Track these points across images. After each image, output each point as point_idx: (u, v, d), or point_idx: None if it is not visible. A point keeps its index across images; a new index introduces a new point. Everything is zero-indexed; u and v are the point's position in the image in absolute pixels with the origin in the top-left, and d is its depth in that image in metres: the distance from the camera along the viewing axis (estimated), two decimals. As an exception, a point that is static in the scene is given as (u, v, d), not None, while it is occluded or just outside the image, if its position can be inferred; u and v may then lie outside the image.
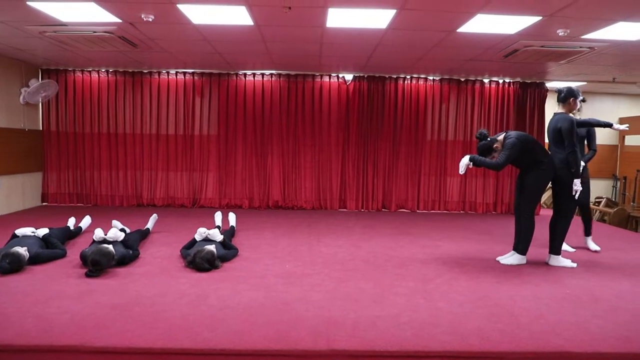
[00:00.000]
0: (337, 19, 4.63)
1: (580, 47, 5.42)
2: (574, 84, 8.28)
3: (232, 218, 5.91)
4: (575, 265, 4.59)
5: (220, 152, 7.89)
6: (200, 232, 4.59)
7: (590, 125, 4.83)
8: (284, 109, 7.84)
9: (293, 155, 7.90)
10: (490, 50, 5.77)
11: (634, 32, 4.77)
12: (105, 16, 4.66)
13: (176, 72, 7.79)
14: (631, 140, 9.50)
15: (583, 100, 4.77)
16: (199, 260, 4.12)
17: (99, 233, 4.42)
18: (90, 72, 7.75)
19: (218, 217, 5.87)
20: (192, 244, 4.60)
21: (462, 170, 4.40)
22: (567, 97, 4.53)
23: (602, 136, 9.40)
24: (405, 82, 7.87)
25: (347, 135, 7.89)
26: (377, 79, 7.83)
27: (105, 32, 5.19)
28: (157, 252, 4.79)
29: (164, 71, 7.79)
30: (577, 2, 3.93)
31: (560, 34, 4.80)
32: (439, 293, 3.68)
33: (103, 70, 7.76)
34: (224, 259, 4.43)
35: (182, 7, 4.38)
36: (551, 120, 4.65)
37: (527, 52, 5.68)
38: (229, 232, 5.43)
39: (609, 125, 4.77)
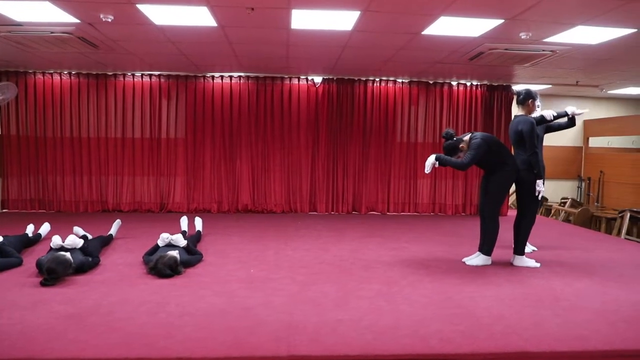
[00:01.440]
0: (302, 20, 4.59)
1: (543, 51, 5.52)
2: (539, 87, 8.47)
3: (198, 223, 5.80)
4: (538, 265, 4.65)
5: (188, 156, 7.76)
6: (163, 238, 4.48)
7: (551, 129, 4.91)
8: (252, 112, 7.76)
9: (262, 158, 7.83)
10: (456, 53, 5.82)
11: (592, 36, 4.87)
12: (62, 16, 4.51)
13: (142, 75, 7.63)
14: (595, 142, 9.75)
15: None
16: (161, 267, 4.01)
17: (56, 240, 4.26)
18: (52, 74, 7.51)
19: (184, 222, 5.75)
20: (154, 249, 4.48)
21: (427, 170, 4.42)
22: (525, 99, 4.59)
23: (568, 138, 9.64)
24: (375, 84, 7.89)
25: (316, 137, 7.86)
26: (347, 81, 7.82)
27: (64, 32, 5.03)
28: (119, 259, 4.65)
29: (129, 73, 7.61)
30: (536, 6, 3.99)
31: (522, 37, 4.87)
32: (403, 296, 3.66)
33: (65, 72, 7.54)
34: (188, 264, 4.34)
35: (142, 7, 4.27)
36: (512, 122, 4.71)
37: (492, 55, 5.75)
38: (195, 237, 5.33)
39: (566, 115, 4.85)
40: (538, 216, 8.47)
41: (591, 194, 9.41)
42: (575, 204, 8.66)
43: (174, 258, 4.08)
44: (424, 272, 4.34)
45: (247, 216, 7.52)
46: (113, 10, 4.35)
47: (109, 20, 4.53)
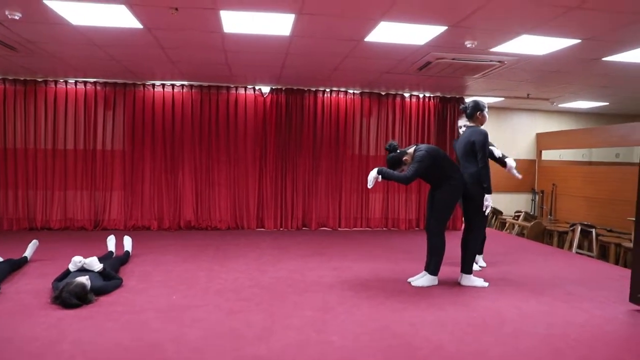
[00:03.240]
0: (234, 23, 4.25)
1: (491, 61, 5.36)
2: (492, 100, 8.40)
3: (127, 242, 5.32)
4: (487, 284, 4.40)
5: (126, 169, 7.24)
6: (75, 262, 3.98)
7: (492, 156, 4.79)
8: (196, 123, 7.33)
9: (206, 171, 7.39)
10: (404, 62, 5.60)
11: (538, 47, 4.73)
12: (-38, 13, 4.02)
13: (75, 82, 7.10)
14: (548, 155, 9.77)
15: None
16: (66, 295, 3.54)
17: None
18: (-27, 79, 6.90)
19: (111, 241, 5.25)
20: (65, 275, 3.98)
21: (370, 184, 4.13)
22: (473, 112, 4.38)
23: (522, 151, 9.62)
24: (325, 95, 7.61)
25: (264, 150, 7.49)
26: (296, 91, 7.51)
27: (-30, 32, 4.53)
28: (25, 285, 4.12)
29: (61, 80, 7.07)
30: (477, 12, 3.78)
31: (468, 46, 4.67)
32: (336, 324, 3.31)
33: (-10, 78, 6.94)
34: (102, 291, 3.86)
35: (51, 5, 3.83)
36: (463, 134, 4.49)
37: (440, 65, 5.56)
38: (120, 259, 4.85)
39: (504, 164, 4.77)
40: (492, 230, 8.37)
41: (544, 207, 9.39)
42: (528, 217, 8.58)
43: (82, 285, 3.61)
44: (364, 295, 4.01)
45: (190, 233, 7.04)
46: (19, 6, 3.89)
47: (16, 17, 4.06)
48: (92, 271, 3.98)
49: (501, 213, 9.11)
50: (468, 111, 4.40)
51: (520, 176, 4.90)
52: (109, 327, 3.18)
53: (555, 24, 3.99)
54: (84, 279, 3.69)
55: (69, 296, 3.53)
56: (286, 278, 4.53)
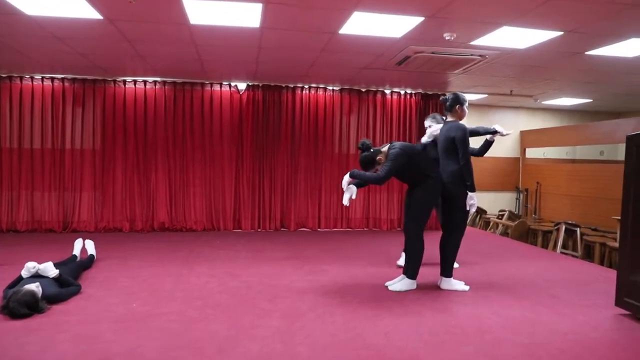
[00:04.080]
0: (200, 14, 4.00)
1: (472, 55, 5.19)
2: (475, 96, 8.25)
3: (89, 246, 5.03)
4: (467, 288, 4.21)
5: (97, 169, 6.94)
6: (29, 268, 3.71)
7: (479, 134, 4.52)
8: (169, 121, 7.06)
9: (181, 171, 7.12)
10: (382, 57, 5.40)
11: (519, 40, 4.56)
12: None
13: (42, 78, 6.78)
14: (532, 153, 9.66)
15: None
16: (14, 305, 3.27)
17: None
18: None
19: (78, 244, 4.97)
20: (17, 281, 3.71)
21: (345, 199, 3.94)
22: (452, 106, 4.18)
23: (506, 149, 9.49)
24: (304, 91, 7.39)
25: (240, 148, 7.24)
26: (273, 88, 7.28)
27: None
28: (-25, 293, 3.83)
29: (27, 76, 6.74)
30: (455, 1, 3.59)
31: (447, 38, 4.49)
32: (305, 334, 3.09)
33: (-50, 73, 6.60)
34: (55, 299, 3.59)
35: (-1, -9, 3.56)
36: (441, 129, 4.28)
37: (419, 60, 5.37)
38: (82, 264, 4.58)
39: (494, 132, 4.49)
40: (475, 229, 8.22)
41: (529, 206, 9.27)
42: (512, 216, 8.45)
43: (31, 293, 3.35)
44: (337, 302, 3.79)
45: (163, 235, 6.77)
46: (-36, -6, 3.61)
47: (-38, 6, 3.78)
48: (46, 277, 3.71)
49: (485, 212, 8.97)
50: (448, 104, 4.20)
51: (509, 132, 4.53)
52: (57, 340, 2.92)
53: (536, 14, 3.82)
54: (34, 286, 3.42)
55: (17, 305, 3.26)
56: (257, 283, 4.29)
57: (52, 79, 6.80)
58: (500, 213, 8.77)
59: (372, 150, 4.05)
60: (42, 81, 6.80)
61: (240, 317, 3.38)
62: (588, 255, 6.79)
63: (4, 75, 6.71)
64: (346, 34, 4.52)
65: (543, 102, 8.64)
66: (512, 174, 9.64)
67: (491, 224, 8.44)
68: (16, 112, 6.76)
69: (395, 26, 4.25)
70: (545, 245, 7.35)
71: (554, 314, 3.60)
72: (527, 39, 4.53)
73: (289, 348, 2.85)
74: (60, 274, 3.78)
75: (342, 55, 5.40)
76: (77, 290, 3.85)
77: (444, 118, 4.50)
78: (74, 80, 6.86)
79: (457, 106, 4.17)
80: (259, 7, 3.80)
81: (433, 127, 4.67)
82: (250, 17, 4.06)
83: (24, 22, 4.28)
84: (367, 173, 3.94)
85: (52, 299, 3.55)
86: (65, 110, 6.87)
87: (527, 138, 9.55)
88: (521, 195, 9.53)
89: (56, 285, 3.70)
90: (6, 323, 3.19)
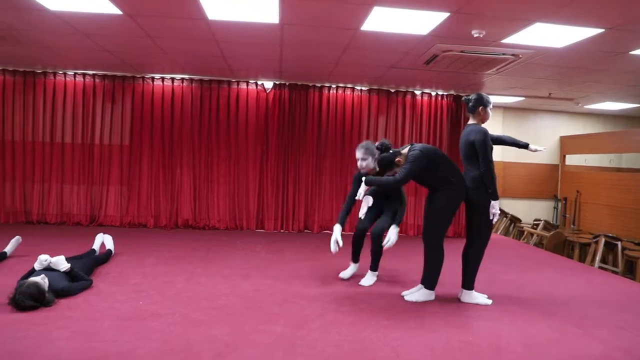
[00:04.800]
0: (216, 9, 3.93)
1: (504, 54, 4.90)
2: (512, 99, 7.88)
3: (108, 241, 5.05)
4: (490, 302, 3.95)
5: (124, 164, 7.02)
6: (41, 260, 3.72)
7: (504, 143, 4.24)
8: (196, 118, 7.06)
9: (206, 168, 7.10)
10: (409, 55, 5.19)
11: (555, 38, 4.26)
12: None
13: (75, 74, 6.92)
14: (572, 160, 9.15)
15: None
16: (19, 297, 3.27)
17: None
18: (-27, 70, 6.79)
19: (98, 239, 5.00)
20: (30, 273, 3.72)
21: (362, 212, 3.78)
22: (475, 107, 3.91)
23: (543, 155, 9.02)
24: (331, 91, 7.24)
25: (266, 147, 7.16)
26: (300, 87, 7.16)
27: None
28: (-10, 284, 3.87)
29: (60, 72, 6.90)
30: (483, -5, 3.36)
31: (476, 36, 4.23)
32: (307, 342, 2.94)
33: (-11, 68, 6.82)
34: (64, 293, 3.58)
35: (20, -15, 3.59)
36: (463, 133, 4.03)
37: (448, 58, 5.12)
38: (97, 259, 4.58)
39: (526, 146, 4.21)
40: (508, 239, 7.84)
41: (567, 216, 8.78)
42: (548, 226, 8.01)
43: (36, 285, 3.33)
44: (347, 310, 3.62)
45: (186, 233, 6.76)
46: (-12, -12, 3.67)
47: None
48: (57, 271, 3.72)
49: (519, 220, 8.55)
50: (470, 104, 3.94)
51: (543, 148, 4.34)
52: (56, 336, 2.88)
53: (572, 9, 3.53)
54: (39, 279, 3.41)
55: (22, 298, 3.26)
56: (269, 286, 4.17)
57: (84, 75, 6.93)
58: (535, 222, 8.34)
59: (391, 151, 3.86)
60: (75, 77, 6.93)
61: (244, 322, 3.26)
62: (629, 271, 6.32)
63: (39, 71, 6.88)
64: (369, 31, 4.34)
65: (585, 106, 8.16)
66: (550, 181, 9.16)
67: (525, 233, 8.03)
68: (49, 107, 6.92)
69: (419, 22, 4.04)
70: (582, 259, 6.91)
71: (583, 335, 3.30)
72: (564, 37, 4.23)
73: (289, 357, 2.71)
74: (71, 268, 3.77)
75: (367, 53, 5.22)
76: (87, 285, 3.84)
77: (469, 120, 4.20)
78: (104, 76, 6.96)
79: (481, 108, 3.91)
80: (275, 0, 3.68)
81: (365, 164, 4.28)
82: (269, 12, 3.95)
83: (49, 17, 4.32)
84: (383, 178, 3.76)
85: (60, 293, 3.54)
86: (96, 105, 6.98)
87: (568, 144, 9.05)
88: (559, 204, 9.04)
89: (66, 279, 3.69)
90: (9, 315, 3.19)
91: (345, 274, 4.58)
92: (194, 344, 2.86)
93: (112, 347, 2.77)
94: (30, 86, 6.88)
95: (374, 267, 4.50)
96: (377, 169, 3.95)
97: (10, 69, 6.85)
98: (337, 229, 4.24)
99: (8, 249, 4.78)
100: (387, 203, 4.45)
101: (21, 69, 6.85)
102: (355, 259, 4.64)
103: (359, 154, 4.31)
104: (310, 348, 2.86)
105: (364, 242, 4.56)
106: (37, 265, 3.73)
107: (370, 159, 4.24)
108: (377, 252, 4.44)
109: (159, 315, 3.33)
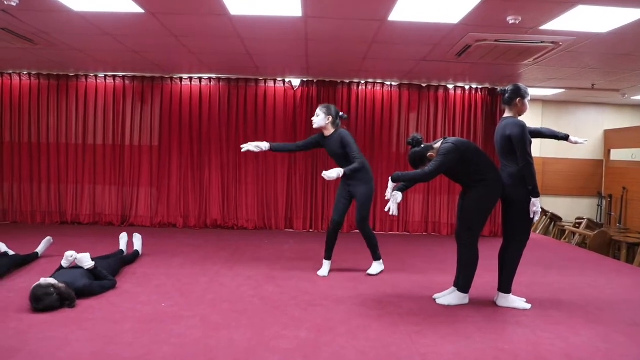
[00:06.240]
0: (237, 3, 3.82)
1: (542, 42, 4.60)
2: (552, 92, 7.50)
3: (137, 241, 5.05)
4: (529, 306, 3.69)
5: (153, 164, 7.05)
6: (67, 257, 3.71)
7: (543, 136, 3.97)
8: (223, 117, 7.02)
9: (234, 168, 7.05)
10: (440, 46, 4.95)
11: (599, 22, 3.94)
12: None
13: (105, 76, 7.00)
14: (617, 155, 8.63)
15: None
16: (33, 297, 3.26)
17: None
18: (10, 74, 6.95)
19: (123, 239, 5.00)
20: (57, 270, 3.75)
21: (393, 208, 3.58)
22: (512, 98, 3.67)
23: (586, 150, 8.56)
24: (360, 87, 7.05)
25: (294, 146, 7.04)
26: (328, 83, 7.01)
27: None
28: (22, 283, 3.87)
29: (91, 74, 6.99)
30: (518, -24, 3.12)
31: (511, 22, 3.97)
32: (332, 349, 2.79)
33: (25, 72, 6.97)
34: (87, 292, 3.57)
35: (42, -14, 3.58)
36: (498, 127, 3.79)
37: (482, 49, 4.85)
38: (124, 259, 4.57)
39: (565, 138, 3.93)
40: (548, 238, 7.46)
41: (612, 214, 8.28)
42: (591, 225, 7.56)
43: (38, 285, 3.29)
44: (375, 314, 3.44)
45: (215, 232, 6.73)
46: (10, -11, 3.68)
47: (13, 4, 3.85)
48: (81, 269, 3.70)
49: (560, 219, 8.12)
50: (506, 96, 3.69)
51: (584, 141, 4.08)
52: (76, 338, 2.84)
53: (618, -11, 3.24)
54: (52, 280, 3.38)
55: (35, 298, 3.25)
56: (294, 288, 4.04)
57: (114, 76, 7.00)
58: (578, 221, 7.89)
59: (422, 145, 3.66)
60: (105, 79, 7.01)
61: (266, 326, 3.14)
62: (684, 273, 5.86)
63: (71, 74, 7.00)
64: (396, 21, 4.14)
65: (632, 98, 7.66)
66: (594, 178, 8.67)
67: (567, 232, 7.62)
68: (81, 109, 7.03)
69: (450, 10, 3.82)
70: (630, 260, 6.47)
71: (633, 345, 3.02)
72: (609, 21, 3.90)
73: (310, 365, 2.57)
74: (95, 266, 3.76)
75: (396, 47, 5.02)
76: (110, 285, 3.81)
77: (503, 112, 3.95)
78: (133, 78, 7.01)
79: (518, 99, 3.65)
80: (296, -8, 3.55)
81: (317, 120, 4.39)
82: (291, 4, 3.81)
83: (74, 19, 4.32)
84: (411, 172, 3.57)
85: (84, 292, 3.52)
86: (126, 107, 7.05)
87: (613, 138, 8.54)
88: (604, 202, 8.55)
89: (88, 278, 3.66)
90: (34, 317, 3.18)
91: (323, 272, 4.52)
92: (212, 349, 2.76)
93: (129, 351, 2.70)
94: (64, 89, 7.01)
95: (375, 257, 4.59)
96: (331, 129, 4.36)
97: (45, 73, 6.99)
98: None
99: (40, 249, 4.84)
100: (354, 187, 4.36)
101: (55, 73, 6.99)
102: (328, 256, 4.58)
103: (317, 110, 4.42)
104: (334, 355, 2.71)
105: (337, 237, 4.56)
106: (64, 262, 3.74)
107: (323, 115, 4.35)
108: (369, 240, 4.50)
109: (180, 317, 3.25)
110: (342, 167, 4.24)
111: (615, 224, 8.11)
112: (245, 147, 4.41)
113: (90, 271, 3.72)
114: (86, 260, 3.72)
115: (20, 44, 5.23)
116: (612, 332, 3.20)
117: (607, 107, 8.59)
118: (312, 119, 4.44)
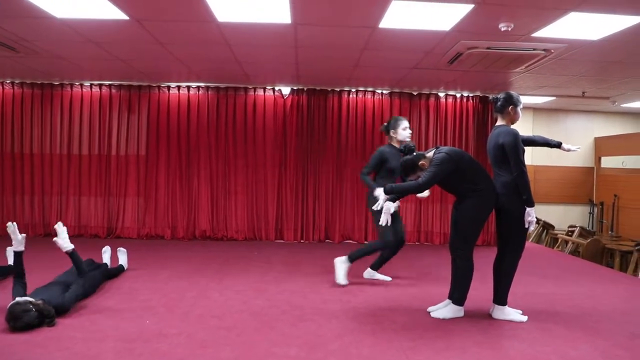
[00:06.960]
0: (224, 10, 3.73)
1: (534, 50, 4.56)
2: (542, 100, 7.49)
3: (122, 255, 4.89)
4: (525, 318, 3.60)
5: (140, 175, 6.90)
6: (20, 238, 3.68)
7: (536, 144, 3.91)
8: (212, 126, 6.90)
9: (223, 178, 6.93)
10: (432, 54, 4.90)
11: (591, 29, 3.91)
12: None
13: (91, 85, 6.86)
14: (608, 162, 8.64)
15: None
16: (9, 317, 3.11)
17: None
18: (-10, 83, 6.80)
19: (106, 253, 4.84)
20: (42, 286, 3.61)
21: (383, 219, 3.51)
22: (504, 106, 3.61)
23: (577, 157, 8.56)
24: (350, 95, 6.99)
25: (284, 155, 6.94)
26: (318, 92, 6.93)
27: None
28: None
29: (77, 83, 6.85)
30: (510, -18, 3.07)
31: (503, 29, 3.92)
32: (322, 368, 2.67)
33: (8, 81, 6.81)
34: (67, 307, 3.42)
35: (22, -8, 3.47)
36: (490, 135, 3.72)
37: (473, 56, 4.81)
38: (106, 273, 4.40)
39: (558, 146, 3.87)
40: (541, 247, 7.40)
41: (604, 221, 8.27)
42: (584, 233, 7.53)
43: (24, 302, 3.14)
44: (369, 328, 3.33)
45: (203, 244, 6.58)
46: (-9, -4, 3.56)
47: (-9, 9, 3.74)
48: (53, 288, 3.54)
49: (552, 227, 8.08)
50: (498, 104, 3.63)
51: (577, 148, 3.94)
52: (54, 359, 2.69)
53: (611, -5, 3.20)
54: (27, 298, 3.22)
55: (12, 317, 3.10)
56: (285, 302, 3.92)
57: (100, 85, 6.87)
58: (570, 229, 7.85)
59: (415, 154, 3.59)
60: (91, 88, 6.88)
61: (255, 343, 3.01)
62: (677, 281, 5.82)
63: (55, 83, 6.85)
64: (388, 28, 4.07)
65: (622, 105, 7.68)
66: (585, 185, 8.66)
67: (559, 241, 7.57)
68: (66, 119, 6.88)
69: (441, 17, 3.76)
70: (623, 268, 6.43)
71: (633, 357, 2.93)
72: (601, 28, 3.88)
73: (300, 386, 2.45)
74: (74, 250, 3.78)
75: (387, 54, 4.96)
76: (80, 292, 3.66)
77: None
78: (120, 86, 6.88)
79: (510, 107, 3.59)
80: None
81: None
82: (280, 12, 3.73)
83: (57, 26, 4.20)
84: (404, 183, 3.50)
85: (61, 308, 3.36)
86: (112, 116, 6.90)
87: (603, 145, 8.55)
88: (595, 209, 8.53)
89: (61, 292, 3.49)
90: (8, 336, 3.02)
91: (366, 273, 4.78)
92: (198, 369, 2.63)
93: (110, 373, 2.56)
94: (48, 98, 6.86)
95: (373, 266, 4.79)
96: None
97: (29, 81, 6.84)
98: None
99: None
100: None
101: (39, 82, 6.84)
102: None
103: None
104: (325, 374, 2.60)
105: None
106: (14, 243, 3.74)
107: None
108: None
109: (164, 335, 3.11)
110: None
111: (607, 231, 8.08)
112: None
113: (69, 255, 3.75)
114: (66, 243, 3.75)
115: (2, 52, 5.10)
116: (611, 346, 3.12)
117: (597, 114, 8.61)
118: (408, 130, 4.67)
